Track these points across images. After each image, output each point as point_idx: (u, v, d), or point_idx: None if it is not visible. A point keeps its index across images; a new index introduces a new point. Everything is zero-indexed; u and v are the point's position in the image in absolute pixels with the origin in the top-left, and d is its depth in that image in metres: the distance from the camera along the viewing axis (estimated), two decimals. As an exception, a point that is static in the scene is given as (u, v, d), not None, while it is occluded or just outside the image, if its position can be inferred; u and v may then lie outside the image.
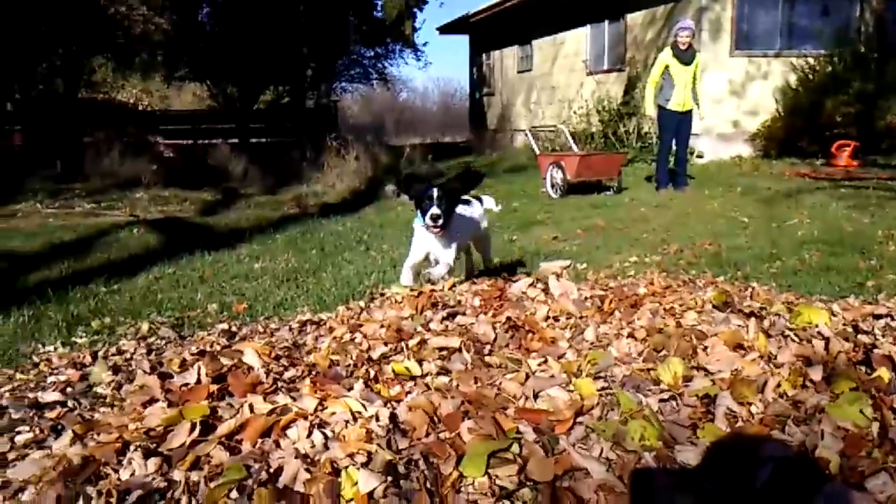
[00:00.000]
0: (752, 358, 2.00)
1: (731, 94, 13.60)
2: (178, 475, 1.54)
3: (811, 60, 13.15)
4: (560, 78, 18.19)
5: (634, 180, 11.32)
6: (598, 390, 1.81)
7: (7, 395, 2.54)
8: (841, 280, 4.51)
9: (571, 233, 6.91)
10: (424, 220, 3.69)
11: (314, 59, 22.27)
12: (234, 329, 3.41)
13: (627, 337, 2.22)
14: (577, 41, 17.43)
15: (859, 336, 2.21)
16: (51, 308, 4.20)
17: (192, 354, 2.49)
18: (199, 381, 1.93)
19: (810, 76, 13.08)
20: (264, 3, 19.00)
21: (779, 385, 1.86)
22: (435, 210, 3.66)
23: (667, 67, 9.43)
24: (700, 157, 13.29)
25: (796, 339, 2.18)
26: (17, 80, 16.89)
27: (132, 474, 1.57)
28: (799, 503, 1.45)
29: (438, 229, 3.66)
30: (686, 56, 9.35)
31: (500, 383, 1.87)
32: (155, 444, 1.66)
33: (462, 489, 1.45)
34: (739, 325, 2.29)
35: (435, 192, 3.73)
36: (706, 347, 2.08)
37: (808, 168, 11.50)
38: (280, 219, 8.96)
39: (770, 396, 1.81)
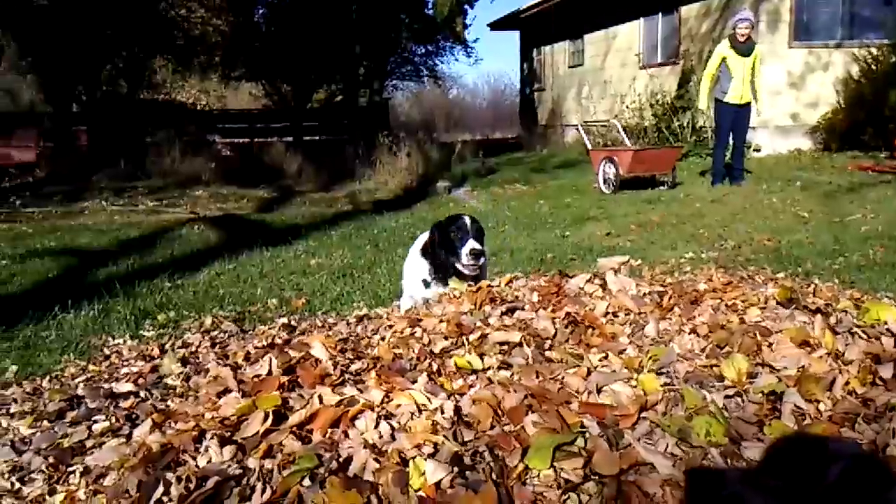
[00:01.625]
0: (819, 355, 1.96)
1: (789, 87, 13.28)
2: (252, 463, 1.60)
3: (874, 51, 12.72)
4: (612, 72, 17.99)
5: (689, 175, 11.16)
6: (662, 386, 1.81)
7: (82, 385, 2.66)
8: (908, 276, 4.38)
9: (625, 228, 6.85)
10: (460, 255, 3.14)
11: (366, 58, 22.46)
12: (293, 323, 3.48)
13: (689, 333, 2.20)
14: (630, 34, 17.21)
15: (930, 334, 2.16)
16: (119, 302, 4.36)
17: (258, 347, 2.57)
18: (270, 373, 2.00)
19: (873, 67, 12.66)
20: (318, 3, 19.25)
21: (847, 383, 1.83)
22: (475, 245, 3.13)
23: (724, 60, 9.26)
24: (757, 150, 13.00)
25: (864, 336, 2.13)
26: (82, 82, 17.49)
27: (209, 461, 1.64)
28: (870, 502, 1.43)
29: (478, 269, 3.15)
30: (745, 48, 9.16)
31: (563, 378, 1.89)
32: (230, 433, 1.72)
33: (528, 481, 1.47)
34: (805, 322, 2.25)
35: (468, 221, 3.23)
36: (771, 344, 2.06)
37: (871, 161, 11.14)
38: (334, 215, 9.10)
39: (838, 394, 1.78)
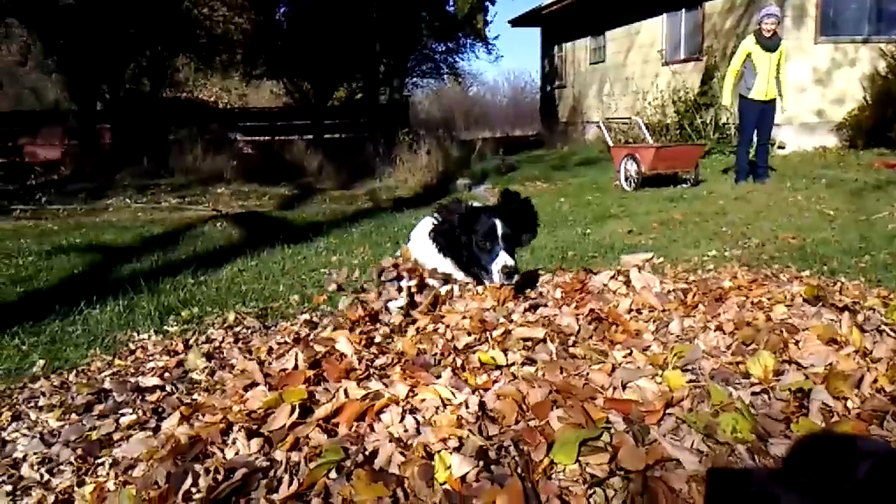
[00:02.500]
0: (846, 352, 1.94)
1: (815, 83, 13.12)
2: (279, 455, 1.61)
3: (902, 46, 12.56)
4: (634, 69, 17.89)
5: (712, 172, 11.07)
6: (687, 383, 1.80)
7: (109, 379, 2.70)
8: (936, 275, 4.31)
9: (647, 226, 6.81)
10: (489, 271, 2.65)
11: (387, 56, 22.53)
12: (315, 320, 3.50)
13: (715, 330, 2.19)
14: (653, 31, 17.10)
15: (960, 332, 2.13)
16: (143, 298, 4.40)
17: (279, 343, 2.59)
18: (296, 367, 2.02)
19: (901, 62, 12.49)
20: (339, 2, 19.32)
21: (875, 380, 1.81)
22: (508, 261, 2.63)
23: (749, 55, 9.16)
24: (782, 147, 12.87)
25: (892, 334, 2.11)
26: (106, 80, 17.71)
27: (236, 453, 1.66)
28: (899, 500, 1.42)
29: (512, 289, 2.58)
30: (770, 43, 9.06)
31: (587, 374, 1.89)
32: (257, 426, 1.74)
33: (553, 476, 1.47)
34: (832, 320, 2.23)
35: (500, 226, 2.67)
36: (798, 341, 2.04)
37: (899, 159, 10.99)
38: (355, 213, 9.14)
39: (867, 392, 1.76)
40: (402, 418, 1.69)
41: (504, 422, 1.66)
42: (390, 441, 1.61)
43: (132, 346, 3.38)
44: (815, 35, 13.02)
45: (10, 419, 2.32)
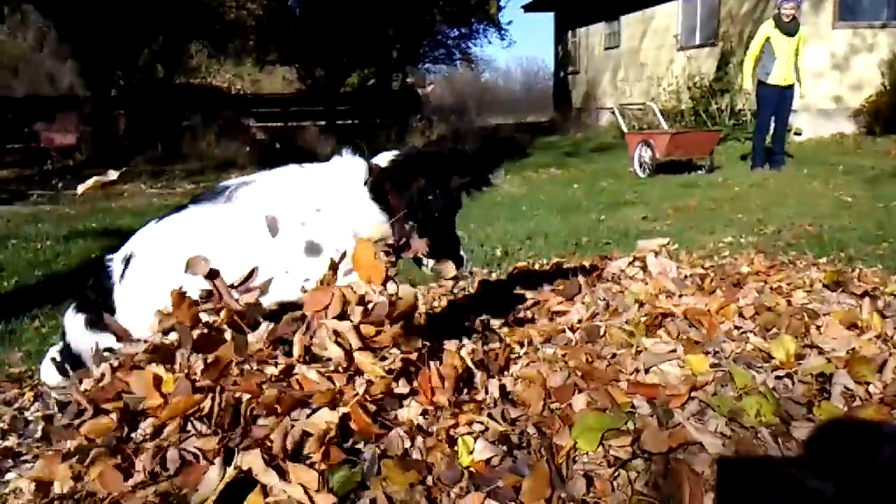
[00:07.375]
0: (868, 337, 1.94)
1: (832, 68, 12.96)
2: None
3: (922, 31, 12.38)
4: (649, 54, 17.73)
5: (728, 159, 10.98)
6: (710, 367, 1.80)
7: (129, 360, 2.73)
8: (955, 262, 4.27)
9: (662, 213, 6.77)
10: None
11: (399, 41, 22.43)
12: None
13: (736, 315, 2.18)
14: (668, 16, 16.92)
15: (980, 318, 2.11)
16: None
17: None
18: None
19: (921, 47, 12.32)
20: (351, -13, 19.24)
21: (898, 365, 1.80)
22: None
23: (768, 40, 9.06)
24: (798, 134, 12.74)
25: (914, 319, 2.10)
26: (120, 66, 17.75)
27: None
28: (923, 484, 1.41)
29: None
30: (789, 28, 8.96)
31: (612, 356, 1.88)
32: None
33: (576, 458, 1.48)
34: (852, 305, 2.22)
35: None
36: (819, 326, 2.04)
37: (917, 145, 10.87)
38: (368, 199, 9.12)
39: (889, 377, 1.76)
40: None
41: (530, 411, 1.65)
42: (409, 427, 1.59)
43: (150, 330, 3.41)
44: (833, 20, 12.85)
45: (32, 399, 2.35)
